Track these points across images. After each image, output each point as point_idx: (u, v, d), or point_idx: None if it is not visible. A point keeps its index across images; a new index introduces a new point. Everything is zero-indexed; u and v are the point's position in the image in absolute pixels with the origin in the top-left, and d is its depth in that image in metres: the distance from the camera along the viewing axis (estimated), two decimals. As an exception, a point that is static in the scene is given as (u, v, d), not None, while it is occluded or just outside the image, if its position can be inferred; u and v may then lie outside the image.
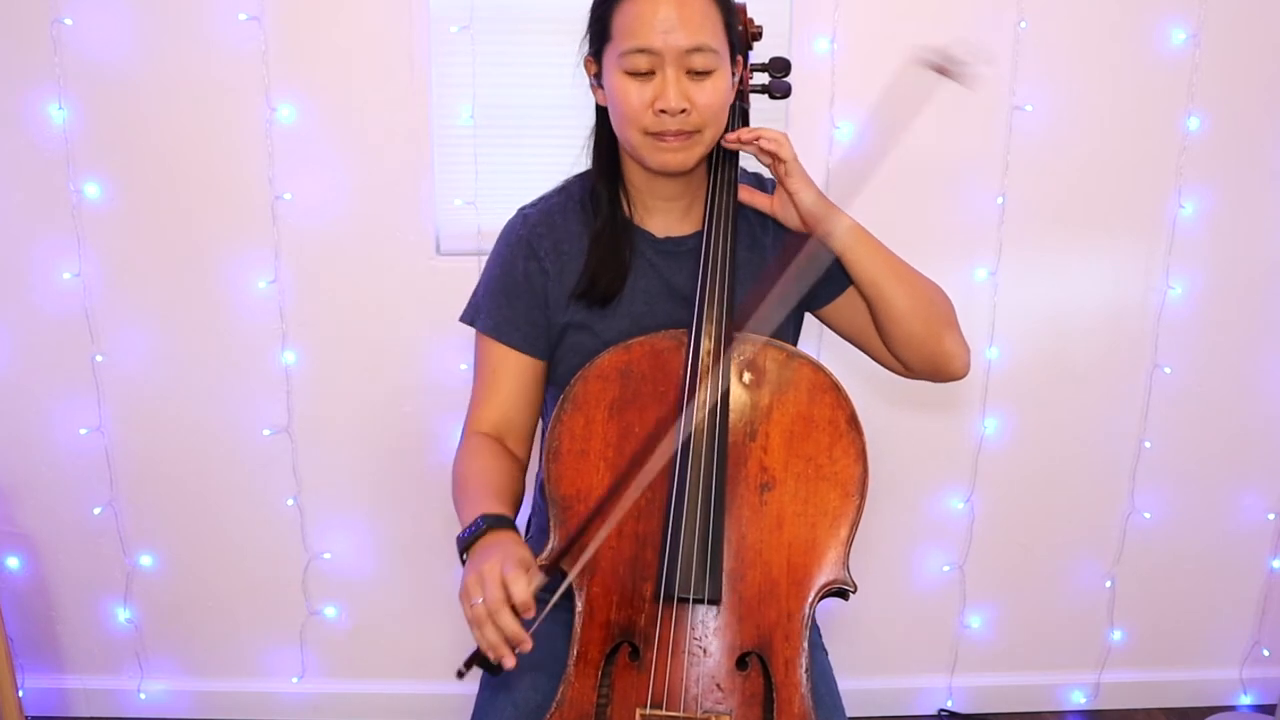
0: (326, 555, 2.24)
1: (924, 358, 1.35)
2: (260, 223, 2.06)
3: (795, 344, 1.44)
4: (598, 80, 1.31)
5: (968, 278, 2.15)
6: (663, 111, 1.23)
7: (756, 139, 1.29)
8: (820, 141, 2.06)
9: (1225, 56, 2.05)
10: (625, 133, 1.28)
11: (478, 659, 1.08)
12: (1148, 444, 2.24)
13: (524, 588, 1.04)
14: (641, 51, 1.21)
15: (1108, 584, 2.32)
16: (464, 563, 1.16)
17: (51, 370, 2.13)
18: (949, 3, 2.02)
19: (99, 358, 2.12)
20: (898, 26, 2.03)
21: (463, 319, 1.42)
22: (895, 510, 2.25)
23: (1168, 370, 2.20)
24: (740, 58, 1.34)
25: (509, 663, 1.06)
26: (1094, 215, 2.14)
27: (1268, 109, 2.09)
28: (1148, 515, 2.28)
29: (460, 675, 1.08)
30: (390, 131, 2.04)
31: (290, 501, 2.20)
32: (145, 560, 2.23)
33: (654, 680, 1.17)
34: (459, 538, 1.18)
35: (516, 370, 1.38)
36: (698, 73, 1.23)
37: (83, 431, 2.15)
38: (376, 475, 2.20)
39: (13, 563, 2.22)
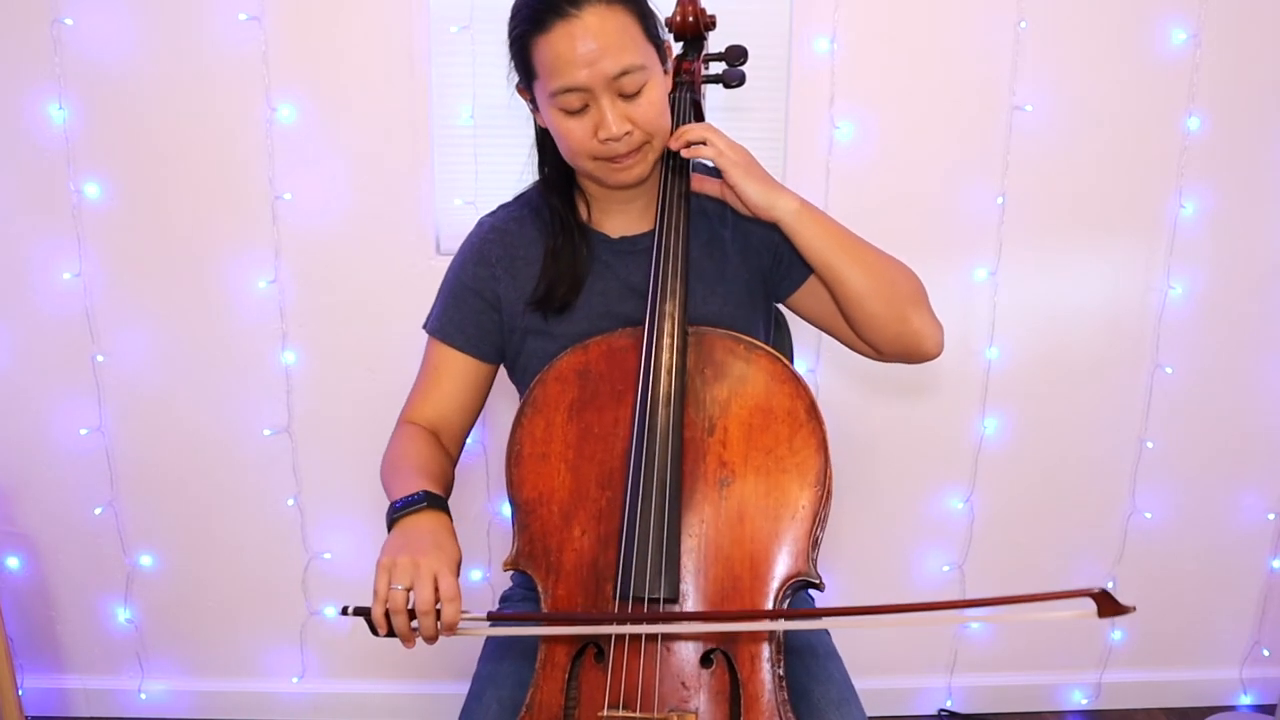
0: (326, 555, 2.24)
1: (890, 339, 1.30)
2: (260, 223, 2.06)
3: (769, 337, 1.43)
4: (534, 106, 1.29)
5: (968, 278, 2.15)
6: (608, 139, 1.21)
7: (684, 142, 1.25)
8: (820, 141, 2.06)
9: (1225, 56, 2.05)
10: (576, 162, 1.27)
11: (367, 620, 1.11)
12: (1150, 444, 2.24)
13: (455, 612, 1.07)
14: (571, 90, 1.19)
15: (1110, 584, 2.32)
16: (390, 529, 1.16)
17: (51, 370, 2.13)
18: (949, 3, 2.02)
19: (99, 358, 2.12)
20: (898, 26, 2.03)
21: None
22: (895, 510, 2.25)
23: (1169, 370, 2.20)
24: (670, 47, 1.30)
25: (404, 646, 1.10)
26: (1094, 215, 2.13)
27: (1268, 109, 2.09)
28: (1149, 515, 2.28)
29: (344, 612, 1.13)
30: (390, 131, 2.04)
31: (290, 501, 2.20)
32: (145, 560, 2.23)
33: (611, 681, 1.15)
34: (393, 505, 1.18)
35: (458, 370, 1.40)
36: (632, 93, 1.21)
37: (83, 431, 2.15)
38: (376, 475, 2.19)
39: (13, 563, 2.22)
